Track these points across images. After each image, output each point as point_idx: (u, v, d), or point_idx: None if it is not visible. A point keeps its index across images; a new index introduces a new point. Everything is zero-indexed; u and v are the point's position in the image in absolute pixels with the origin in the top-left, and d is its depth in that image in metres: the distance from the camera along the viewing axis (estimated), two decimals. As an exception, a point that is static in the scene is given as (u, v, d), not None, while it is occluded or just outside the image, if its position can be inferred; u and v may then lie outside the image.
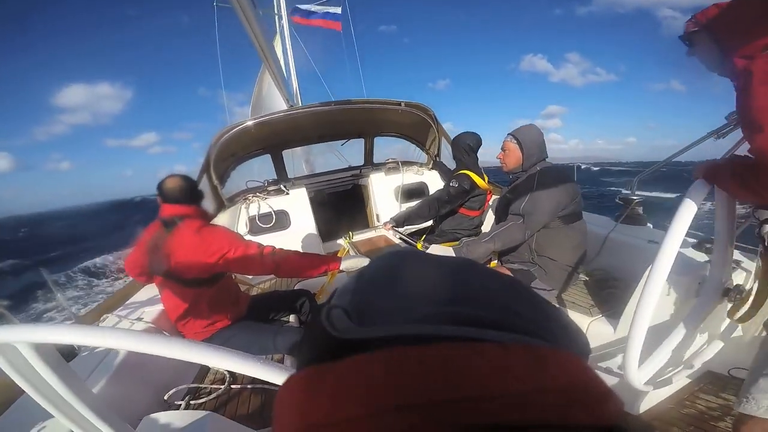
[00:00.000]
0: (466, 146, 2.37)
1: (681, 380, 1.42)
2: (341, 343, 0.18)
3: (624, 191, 2.24)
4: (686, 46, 1.06)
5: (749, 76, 0.87)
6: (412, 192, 3.54)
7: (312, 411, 0.16)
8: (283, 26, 6.52)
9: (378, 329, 0.18)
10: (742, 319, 1.13)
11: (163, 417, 0.92)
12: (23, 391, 0.68)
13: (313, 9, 7.19)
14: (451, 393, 0.15)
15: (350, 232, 2.61)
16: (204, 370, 1.66)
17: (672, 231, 0.99)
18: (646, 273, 1.06)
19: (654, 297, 0.98)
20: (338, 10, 7.21)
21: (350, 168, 3.86)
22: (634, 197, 2.15)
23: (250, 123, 2.78)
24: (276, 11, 6.61)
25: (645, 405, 1.41)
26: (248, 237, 1.76)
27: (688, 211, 1.00)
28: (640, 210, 2.17)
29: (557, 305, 1.73)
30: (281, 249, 1.61)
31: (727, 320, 1.24)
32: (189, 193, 1.56)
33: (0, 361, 0.63)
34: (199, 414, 0.93)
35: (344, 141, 3.76)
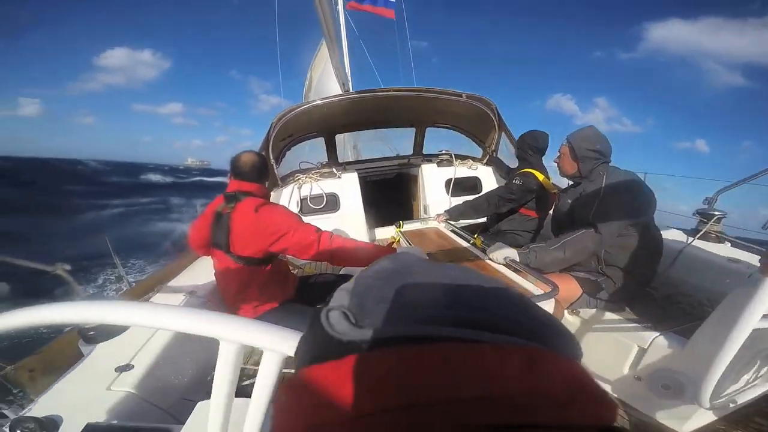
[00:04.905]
0: (533, 146, 2.26)
1: (741, 401, 1.36)
2: (341, 344, 0.18)
3: (702, 205, 2.07)
4: None
5: None
6: (464, 186, 3.44)
7: (313, 411, 0.17)
8: (338, 11, 6.57)
9: (377, 330, 0.18)
10: None
11: None
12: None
13: None
14: (451, 392, 0.15)
15: (401, 221, 2.51)
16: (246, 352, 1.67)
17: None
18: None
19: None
20: (392, -3, 7.15)
21: (398, 157, 3.83)
22: (715, 212, 2.00)
23: (310, 105, 2.82)
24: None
25: (696, 423, 1.37)
26: None
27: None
28: (720, 226, 2.02)
29: (621, 318, 1.64)
30: (338, 236, 1.56)
31: None
32: (258, 170, 1.55)
33: None
34: None
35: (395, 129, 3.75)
